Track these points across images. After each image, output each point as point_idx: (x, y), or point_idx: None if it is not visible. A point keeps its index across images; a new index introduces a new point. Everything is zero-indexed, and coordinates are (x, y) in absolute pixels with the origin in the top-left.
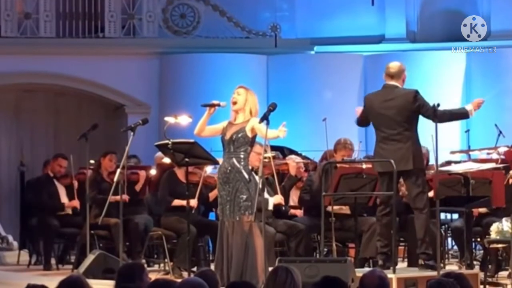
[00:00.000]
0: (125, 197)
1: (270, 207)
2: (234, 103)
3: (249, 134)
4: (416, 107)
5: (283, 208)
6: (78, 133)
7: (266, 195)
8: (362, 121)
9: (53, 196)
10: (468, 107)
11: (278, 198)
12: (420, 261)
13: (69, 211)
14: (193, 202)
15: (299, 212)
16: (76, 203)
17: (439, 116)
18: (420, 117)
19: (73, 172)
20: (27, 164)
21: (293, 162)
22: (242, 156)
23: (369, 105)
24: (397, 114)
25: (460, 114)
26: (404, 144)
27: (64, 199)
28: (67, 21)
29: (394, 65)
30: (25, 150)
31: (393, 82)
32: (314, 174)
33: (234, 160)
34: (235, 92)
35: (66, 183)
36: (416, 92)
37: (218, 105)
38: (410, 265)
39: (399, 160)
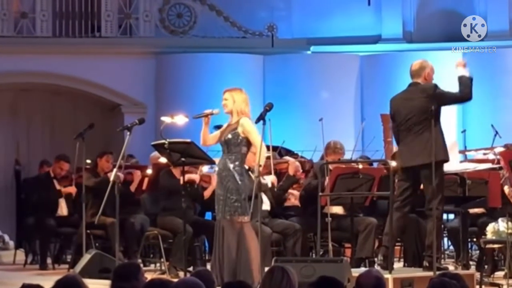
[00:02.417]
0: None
1: (269, 184)
2: (225, 109)
3: (242, 134)
4: (438, 99)
5: (276, 189)
6: (74, 132)
7: (262, 195)
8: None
9: (51, 196)
10: (459, 71)
11: (273, 178)
12: (425, 263)
13: (65, 212)
14: (196, 177)
15: (294, 197)
16: (72, 189)
17: (465, 97)
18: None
19: (74, 174)
20: (23, 163)
21: (294, 162)
22: (234, 157)
23: (393, 107)
24: (417, 110)
25: (467, 83)
26: (423, 138)
27: (61, 201)
28: (63, 20)
29: (415, 63)
30: (21, 149)
31: (414, 80)
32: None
33: (227, 161)
34: (223, 99)
35: (65, 185)
36: (435, 85)
37: (211, 113)
38: (406, 265)
39: (419, 154)
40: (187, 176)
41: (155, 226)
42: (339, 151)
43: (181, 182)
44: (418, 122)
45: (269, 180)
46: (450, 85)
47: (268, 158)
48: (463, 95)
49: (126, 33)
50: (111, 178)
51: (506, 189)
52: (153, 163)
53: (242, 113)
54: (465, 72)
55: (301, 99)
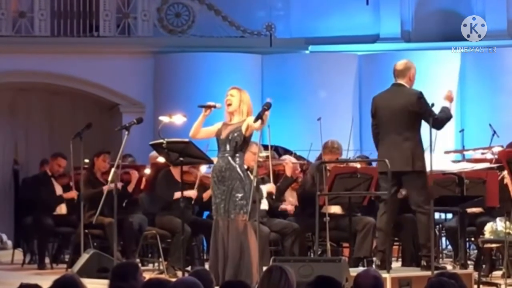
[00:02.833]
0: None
1: (265, 194)
2: (229, 105)
3: (245, 134)
4: (418, 110)
5: (274, 198)
6: (72, 132)
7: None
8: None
9: (49, 195)
10: (445, 103)
11: (270, 187)
12: (423, 262)
13: (64, 211)
14: (192, 193)
15: (290, 207)
16: (74, 193)
17: (438, 124)
18: None
19: (71, 172)
20: (22, 162)
21: (289, 162)
22: (237, 155)
23: (375, 105)
24: (398, 114)
25: (449, 115)
26: (404, 145)
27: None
28: (62, 20)
29: (399, 63)
30: (19, 149)
31: (398, 81)
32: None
33: (230, 159)
34: (229, 94)
35: (64, 182)
36: (420, 94)
37: (214, 106)
38: (404, 264)
39: (398, 160)
40: (184, 193)
41: (153, 226)
42: (336, 151)
43: (180, 182)
44: (398, 124)
45: (265, 190)
46: (447, 84)
47: (266, 158)
48: (439, 121)
49: (125, 32)
50: (109, 178)
51: (505, 175)
52: (152, 162)
53: (250, 113)
54: (450, 107)
55: (300, 98)
